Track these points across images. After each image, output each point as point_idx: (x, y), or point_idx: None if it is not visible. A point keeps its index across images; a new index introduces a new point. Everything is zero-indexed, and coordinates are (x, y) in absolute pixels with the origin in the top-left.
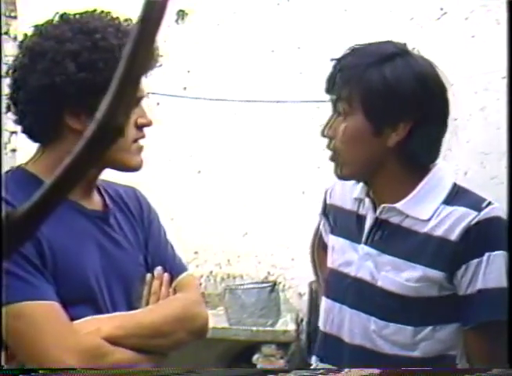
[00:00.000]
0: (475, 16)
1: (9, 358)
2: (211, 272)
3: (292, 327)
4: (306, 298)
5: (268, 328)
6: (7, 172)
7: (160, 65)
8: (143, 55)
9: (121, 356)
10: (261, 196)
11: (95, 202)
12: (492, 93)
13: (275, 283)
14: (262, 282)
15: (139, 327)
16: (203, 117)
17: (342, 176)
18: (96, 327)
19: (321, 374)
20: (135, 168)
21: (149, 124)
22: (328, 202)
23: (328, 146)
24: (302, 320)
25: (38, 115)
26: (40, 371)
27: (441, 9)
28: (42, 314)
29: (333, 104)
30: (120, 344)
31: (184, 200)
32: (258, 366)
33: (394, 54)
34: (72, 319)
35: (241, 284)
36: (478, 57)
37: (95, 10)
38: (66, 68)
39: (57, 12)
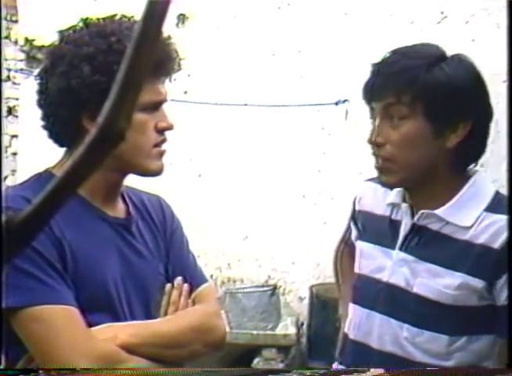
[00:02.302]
0: (475, 20)
1: (27, 361)
2: (212, 275)
3: (292, 330)
4: (306, 301)
5: (269, 332)
6: (35, 176)
7: (180, 69)
8: (145, 58)
9: (136, 364)
10: (261, 199)
11: (118, 209)
12: (493, 97)
13: (275, 287)
14: (263, 286)
15: (155, 337)
16: (204, 120)
17: (393, 184)
18: (113, 334)
19: (322, 374)
20: (155, 173)
21: (169, 127)
22: (357, 208)
23: (376, 153)
24: (302, 324)
25: (59, 119)
26: (40, 371)
27: (442, 13)
28: (61, 318)
29: (381, 111)
30: (136, 352)
31: (184, 203)
32: None
33: (443, 55)
34: (90, 325)
35: (241, 288)
36: (478, 61)
37: (115, 15)
38: (82, 71)
39: (81, 18)
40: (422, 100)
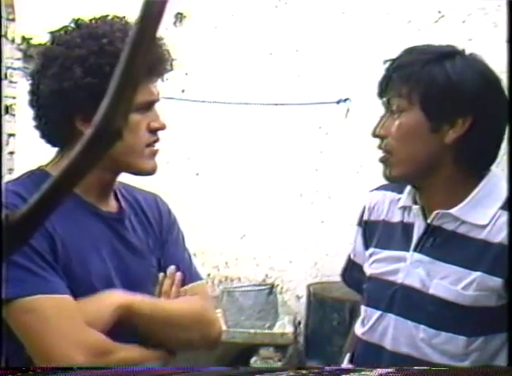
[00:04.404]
0: (472, 19)
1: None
2: (209, 274)
3: (290, 329)
4: (304, 300)
5: (266, 331)
6: (27, 173)
7: (172, 69)
8: (141, 57)
9: (128, 353)
10: (259, 198)
11: (111, 205)
12: None
13: (272, 286)
14: (260, 284)
15: (157, 309)
16: (202, 119)
17: (392, 177)
18: (117, 297)
19: (320, 373)
20: (148, 172)
21: (162, 128)
22: (366, 219)
23: (380, 146)
24: (300, 323)
25: (51, 120)
26: (38, 370)
27: (439, 12)
28: (51, 308)
29: (386, 105)
30: (136, 322)
31: (182, 202)
32: None
33: (453, 52)
34: None
35: (239, 287)
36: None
37: (107, 15)
38: (74, 73)
39: (73, 18)
40: (418, 93)
